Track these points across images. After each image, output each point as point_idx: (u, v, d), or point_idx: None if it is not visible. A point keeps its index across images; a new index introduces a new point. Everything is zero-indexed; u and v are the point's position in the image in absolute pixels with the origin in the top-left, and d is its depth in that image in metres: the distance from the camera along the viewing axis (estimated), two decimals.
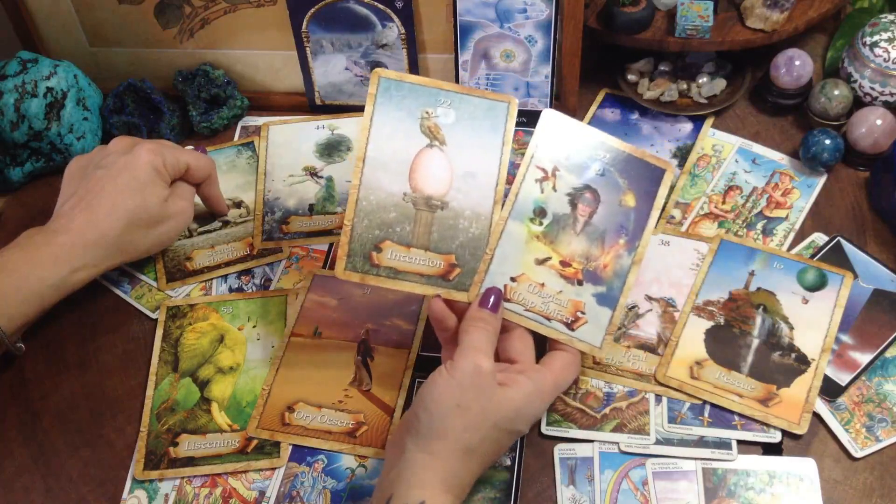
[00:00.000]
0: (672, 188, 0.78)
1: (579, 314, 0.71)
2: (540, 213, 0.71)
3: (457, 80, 0.93)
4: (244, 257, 0.86)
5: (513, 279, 0.70)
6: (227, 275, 0.85)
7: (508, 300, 0.70)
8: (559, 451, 0.72)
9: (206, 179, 0.85)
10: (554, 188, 0.72)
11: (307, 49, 0.93)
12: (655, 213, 0.72)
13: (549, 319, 0.70)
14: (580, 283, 0.71)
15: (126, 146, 0.80)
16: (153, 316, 0.82)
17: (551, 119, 0.73)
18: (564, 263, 0.71)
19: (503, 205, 0.72)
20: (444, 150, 0.72)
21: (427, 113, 0.72)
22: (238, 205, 0.90)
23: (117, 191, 0.77)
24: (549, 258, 0.71)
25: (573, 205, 0.72)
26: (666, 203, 0.72)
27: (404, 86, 0.72)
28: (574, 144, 0.73)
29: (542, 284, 0.71)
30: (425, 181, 0.72)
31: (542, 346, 0.72)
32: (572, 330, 0.70)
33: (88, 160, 0.81)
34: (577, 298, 0.71)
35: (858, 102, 0.90)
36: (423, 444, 0.62)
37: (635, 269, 0.72)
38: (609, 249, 0.72)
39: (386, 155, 0.71)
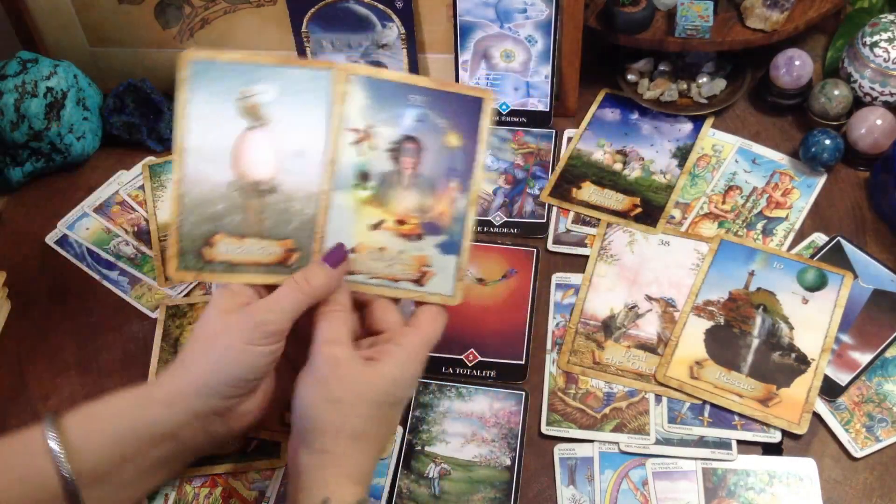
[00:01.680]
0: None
1: (425, 268, 0.68)
2: (363, 176, 0.67)
3: (457, 80, 0.93)
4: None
5: (352, 251, 0.68)
6: None
7: (352, 272, 0.67)
8: (559, 451, 0.72)
9: None
10: (372, 147, 0.68)
11: (307, 49, 0.93)
12: (483, 147, 0.68)
13: (396, 281, 0.68)
14: (420, 237, 0.68)
15: None
16: (153, 315, 0.82)
17: (356, 78, 0.68)
18: (400, 222, 0.68)
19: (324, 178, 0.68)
20: (267, 131, 0.67)
21: (244, 93, 0.67)
22: None
23: None
24: (384, 220, 0.68)
25: (396, 159, 0.68)
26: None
27: (217, 65, 0.66)
28: (383, 95, 0.67)
29: (383, 248, 0.68)
30: (250, 166, 0.67)
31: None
32: (421, 286, 0.68)
33: None
34: (420, 253, 0.68)
35: (858, 102, 0.90)
36: (310, 448, 0.60)
37: (472, 209, 0.68)
38: (442, 196, 0.68)
39: (206, 144, 0.66)
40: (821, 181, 0.88)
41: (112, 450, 0.61)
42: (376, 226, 0.68)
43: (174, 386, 0.63)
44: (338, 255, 0.66)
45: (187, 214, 0.66)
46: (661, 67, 0.96)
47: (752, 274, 0.80)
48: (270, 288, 0.66)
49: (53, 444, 0.59)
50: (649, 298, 0.80)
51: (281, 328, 0.63)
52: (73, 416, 0.62)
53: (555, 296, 0.81)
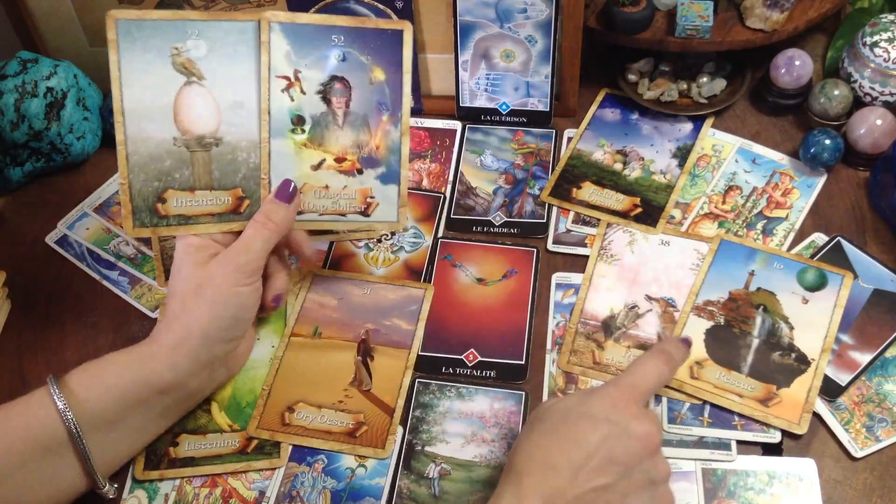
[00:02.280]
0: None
1: (369, 199, 0.72)
2: (298, 121, 0.71)
3: (457, 80, 0.93)
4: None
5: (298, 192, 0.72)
6: None
7: (302, 212, 0.72)
8: None
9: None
10: (302, 91, 0.71)
11: None
12: (407, 77, 0.72)
13: (344, 215, 0.72)
14: (360, 171, 0.72)
15: None
16: (153, 315, 0.82)
17: (276, 25, 0.70)
18: (339, 160, 0.72)
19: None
20: (203, 85, 0.70)
21: (177, 49, 0.69)
22: None
23: None
24: (324, 160, 0.72)
25: (327, 101, 0.71)
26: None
27: (146, 24, 0.68)
28: (305, 39, 0.71)
29: (326, 187, 0.72)
30: (192, 121, 0.69)
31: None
32: (368, 216, 0.72)
33: None
34: (363, 186, 0.72)
35: (858, 102, 0.90)
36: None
37: (406, 138, 0.73)
38: (376, 130, 0.72)
39: (145, 103, 0.69)
40: (821, 181, 0.88)
41: (117, 399, 0.65)
42: (317, 166, 0.71)
43: (174, 342, 0.67)
44: (288, 191, 0.70)
45: (136, 174, 0.69)
46: (661, 67, 0.96)
47: (752, 274, 0.80)
48: (226, 234, 0.71)
49: (56, 396, 0.64)
50: (649, 298, 0.80)
51: (259, 266, 0.70)
52: (76, 372, 0.66)
53: (555, 296, 0.81)
